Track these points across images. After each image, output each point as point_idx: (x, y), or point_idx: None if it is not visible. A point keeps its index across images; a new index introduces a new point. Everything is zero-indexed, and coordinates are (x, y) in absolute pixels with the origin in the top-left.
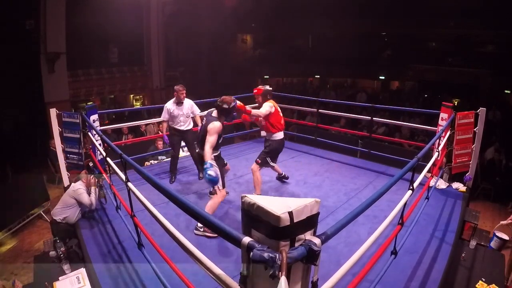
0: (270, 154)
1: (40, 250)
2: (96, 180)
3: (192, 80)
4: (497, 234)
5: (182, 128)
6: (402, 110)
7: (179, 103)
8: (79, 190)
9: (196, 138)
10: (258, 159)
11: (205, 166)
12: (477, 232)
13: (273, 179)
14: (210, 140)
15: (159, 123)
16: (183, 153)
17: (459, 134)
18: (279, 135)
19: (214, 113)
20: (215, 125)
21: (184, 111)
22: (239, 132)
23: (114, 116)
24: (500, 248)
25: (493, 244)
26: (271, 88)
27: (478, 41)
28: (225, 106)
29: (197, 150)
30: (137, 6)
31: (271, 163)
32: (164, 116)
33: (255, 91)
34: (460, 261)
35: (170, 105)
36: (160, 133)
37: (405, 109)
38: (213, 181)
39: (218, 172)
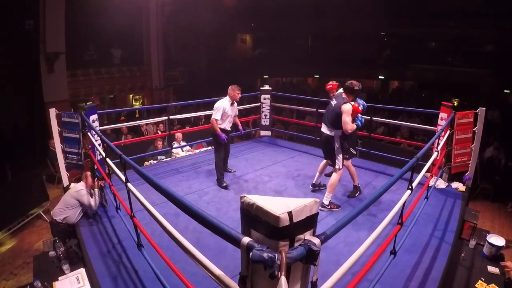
0: (351, 142)
1: (39, 250)
2: (98, 182)
3: (191, 80)
4: (489, 240)
5: (228, 128)
6: (402, 110)
7: (233, 103)
8: (82, 191)
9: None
10: (345, 155)
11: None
12: (476, 231)
13: (272, 179)
14: (347, 120)
15: (159, 123)
16: (183, 153)
17: (459, 133)
18: None
19: (344, 95)
20: (349, 107)
21: (234, 112)
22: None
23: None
24: (494, 256)
25: (485, 250)
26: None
27: (478, 41)
28: (356, 87)
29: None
30: (136, 6)
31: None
32: (219, 115)
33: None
34: (460, 261)
35: (226, 104)
36: (160, 133)
37: (405, 108)
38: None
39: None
